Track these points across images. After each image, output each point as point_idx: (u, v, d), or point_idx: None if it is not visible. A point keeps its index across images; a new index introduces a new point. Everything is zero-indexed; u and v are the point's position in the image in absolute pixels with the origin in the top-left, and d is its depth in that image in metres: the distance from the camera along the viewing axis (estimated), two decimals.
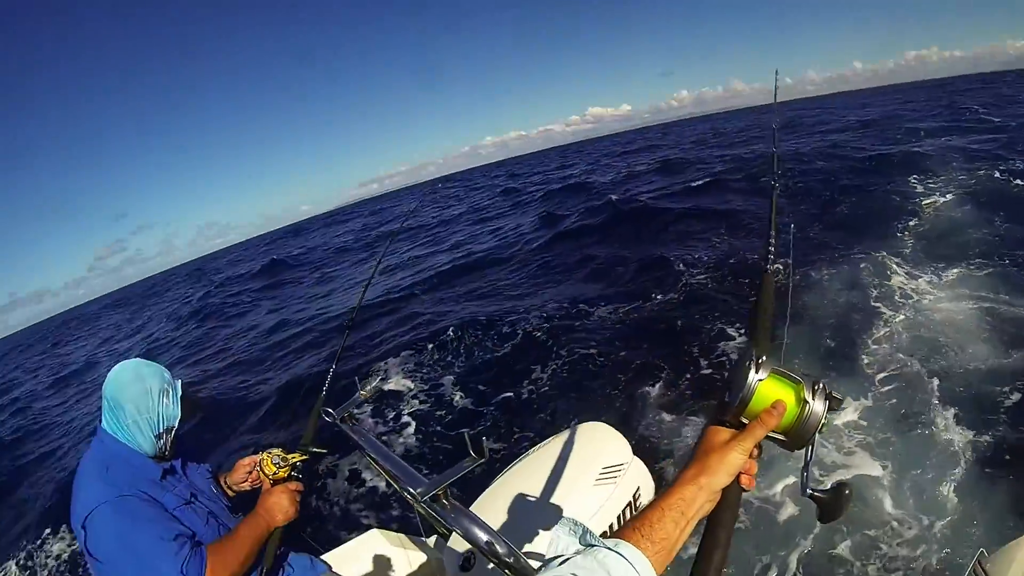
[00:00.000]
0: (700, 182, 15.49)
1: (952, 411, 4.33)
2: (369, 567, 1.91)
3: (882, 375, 5.04)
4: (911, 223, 8.75)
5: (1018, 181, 9.71)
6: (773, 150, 1.50)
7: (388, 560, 1.93)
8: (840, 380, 4.96)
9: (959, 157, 12.38)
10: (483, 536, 1.12)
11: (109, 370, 1.61)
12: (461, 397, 6.03)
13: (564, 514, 1.50)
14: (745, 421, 0.79)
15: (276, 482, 1.68)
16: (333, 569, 1.88)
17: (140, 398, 1.54)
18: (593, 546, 0.64)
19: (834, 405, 0.77)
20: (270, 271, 23.76)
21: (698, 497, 0.72)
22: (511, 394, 5.78)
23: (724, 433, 0.78)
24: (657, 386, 5.36)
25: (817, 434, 0.77)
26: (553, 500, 1.63)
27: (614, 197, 15.34)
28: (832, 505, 0.75)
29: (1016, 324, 5.28)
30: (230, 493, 1.87)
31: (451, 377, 6.51)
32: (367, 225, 36.19)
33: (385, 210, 47.73)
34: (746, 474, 0.76)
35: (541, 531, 1.51)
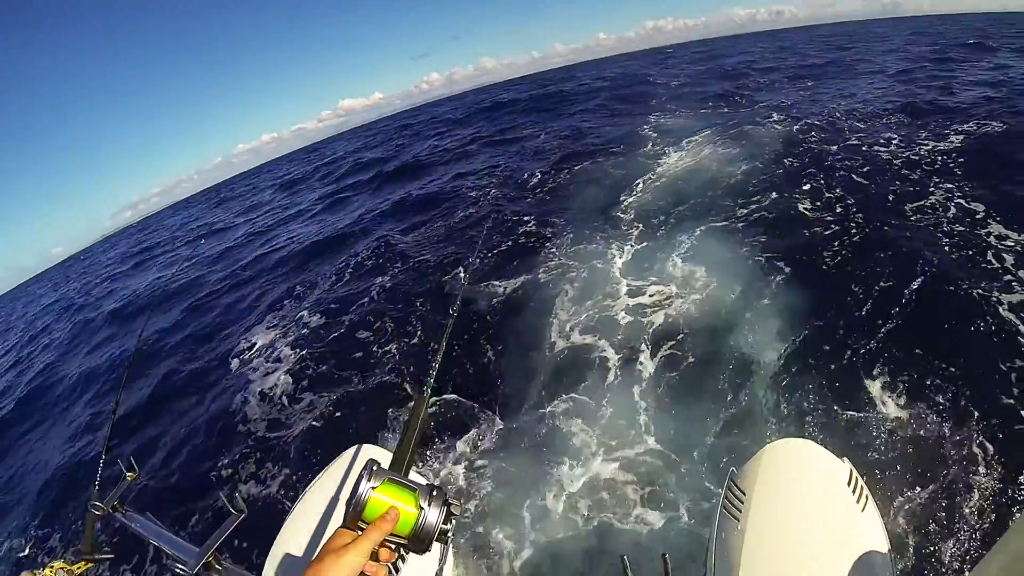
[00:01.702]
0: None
1: (694, 237, 6.17)
2: None
3: (636, 230, 6.82)
4: (652, 131, 12.67)
5: (722, 105, 14.76)
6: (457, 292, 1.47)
7: None
8: (610, 237, 6.72)
9: (680, 99, 17.41)
10: None
11: None
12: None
13: None
14: (363, 526, 0.83)
15: None
16: None
17: None
18: None
19: (454, 511, 0.85)
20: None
21: None
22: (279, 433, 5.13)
23: (345, 536, 0.81)
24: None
25: (446, 540, 0.84)
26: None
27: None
28: None
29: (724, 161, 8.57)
30: None
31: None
32: (131, 251, 31.15)
33: (148, 231, 42.37)
34: None
35: None
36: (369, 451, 1.93)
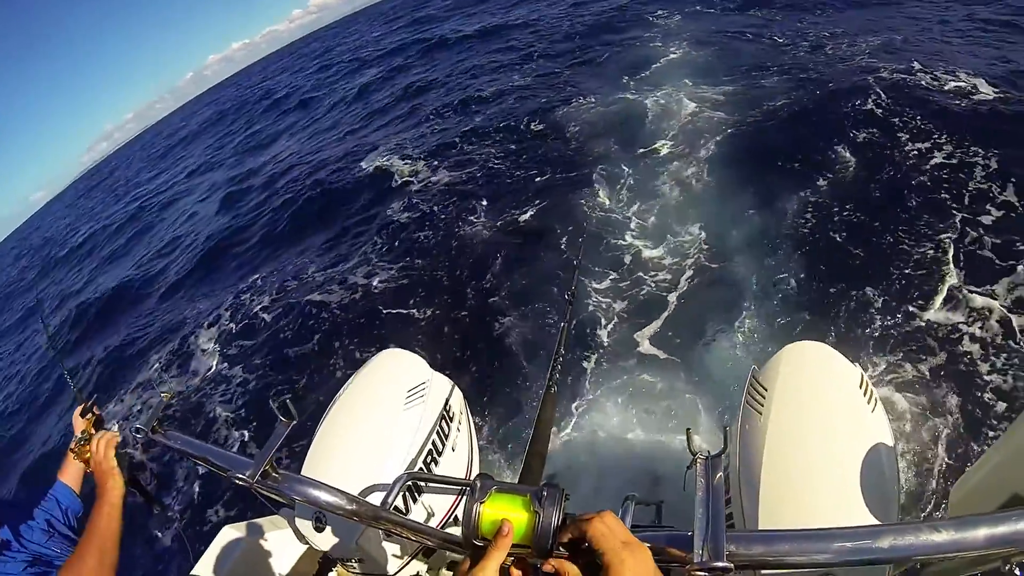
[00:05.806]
0: None
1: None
2: (234, 563, 1.77)
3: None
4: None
5: None
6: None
7: (250, 548, 1.88)
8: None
9: None
10: (321, 495, 1.15)
11: None
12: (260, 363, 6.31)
13: (386, 445, 1.63)
14: (479, 544, 0.82)
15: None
16: None
17: None
18: None
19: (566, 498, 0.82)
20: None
21: None
22: (307, 346, 6.11)
23: (467, 562, 0.82)
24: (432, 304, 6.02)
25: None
26: (373, 436, 1.70)
27: None
28: None
29: None
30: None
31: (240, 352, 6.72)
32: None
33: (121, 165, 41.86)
34: None
35: (372, 471, 1.57)
36: (399, 355, 1.93)
